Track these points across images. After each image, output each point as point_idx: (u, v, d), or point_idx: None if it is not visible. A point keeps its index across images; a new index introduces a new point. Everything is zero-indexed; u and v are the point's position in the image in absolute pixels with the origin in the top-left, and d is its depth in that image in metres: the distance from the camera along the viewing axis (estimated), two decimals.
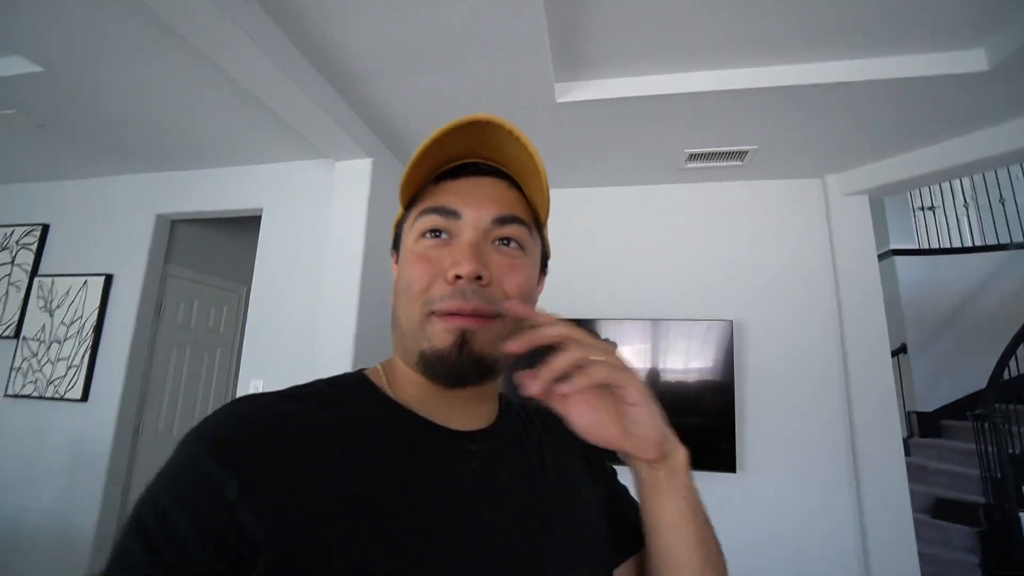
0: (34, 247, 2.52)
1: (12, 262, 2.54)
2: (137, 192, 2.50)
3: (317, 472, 0.37)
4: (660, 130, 1.97)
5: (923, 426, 4.06)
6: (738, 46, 1.58)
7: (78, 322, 2.37)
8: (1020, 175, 4.54)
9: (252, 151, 2.27)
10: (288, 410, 0.41)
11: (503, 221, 0.44)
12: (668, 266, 2.33)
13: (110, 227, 2.48)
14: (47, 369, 2.35)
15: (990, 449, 3.35)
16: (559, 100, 1.78)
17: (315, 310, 2.09)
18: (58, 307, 2.41)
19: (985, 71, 1.53)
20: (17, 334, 2.43)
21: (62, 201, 2.57)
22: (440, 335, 0.41)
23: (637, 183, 2.42)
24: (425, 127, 2.00)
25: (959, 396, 4.13)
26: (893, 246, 4.58)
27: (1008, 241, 4.24)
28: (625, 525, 0.52)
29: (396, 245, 0.51)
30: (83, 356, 2.33)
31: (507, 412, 0.50)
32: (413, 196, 0.48)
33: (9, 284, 2.52)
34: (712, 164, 2.20)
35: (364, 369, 0.49)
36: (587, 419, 0.42)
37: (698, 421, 2.13)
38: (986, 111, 1.76)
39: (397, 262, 0.49)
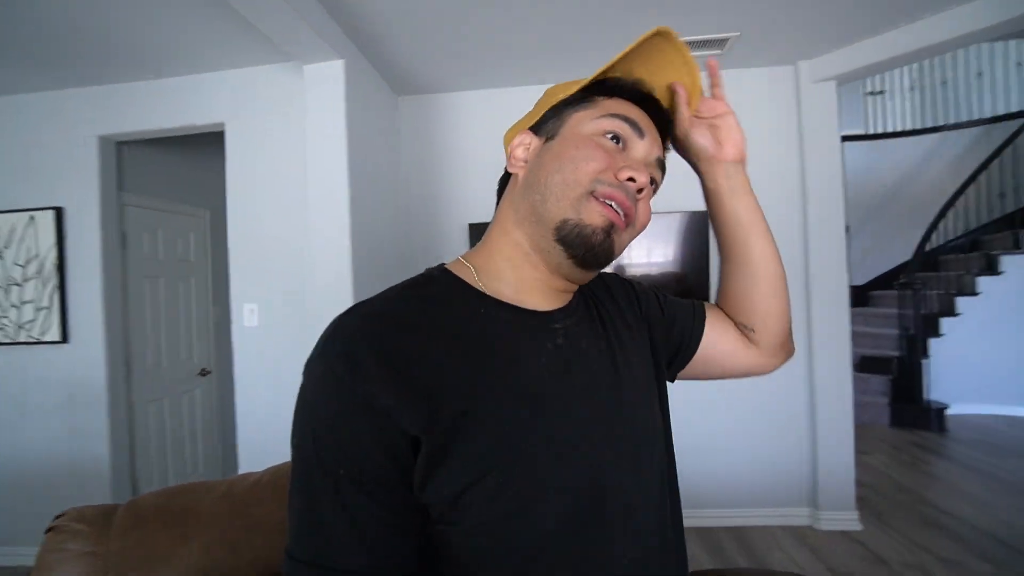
0: None
1: None
2: (73, 111, 2.20)
3: (444, 364, 0.43)
4: (647, 14, 1.91)
5: (855, 297, 4.60)
6: None
7: (35, 261, 2.20)
8: (963, 57, 4.73)
9: (206, 57, 2.02)
10: (407, 314, 0.46)
11: (660, 164, 0.53)
12: None
13: (47, 154, 2.21)
14: (12, 314, 2.22)
15: (908, 312, 3.89)
16: None
17: (303, 229, 2.04)
18: (6, 247, 2.22)
19: None
20: None
21: None
22: (593, 214, 0.47)
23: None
24: (401, 21, 1.84)
25: (885, 270, 4.66)
26: (843, 132, 4.81)
27: (944, 122, 4.52)
28: (683, 334, 0.64)
29: (541, 125, 0.53)
30: (51, 296, 2.21)
31: (578, 292, 0.58)
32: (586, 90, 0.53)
33: None
34: (696, 52, 2.18)
35: (445, 264, 0.54)
36: (707, 137, 0.60)
37: None
38: None
39: (545, 139, 0.52)
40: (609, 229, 0.47)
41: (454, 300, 0.49)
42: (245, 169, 2.13)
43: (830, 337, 2.32)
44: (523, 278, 0.51)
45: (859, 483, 2.49)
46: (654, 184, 0.52)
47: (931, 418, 3.60)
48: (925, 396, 3.70)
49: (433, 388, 0.42)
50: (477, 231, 2.43)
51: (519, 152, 0.53)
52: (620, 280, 0.65)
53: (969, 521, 2.36)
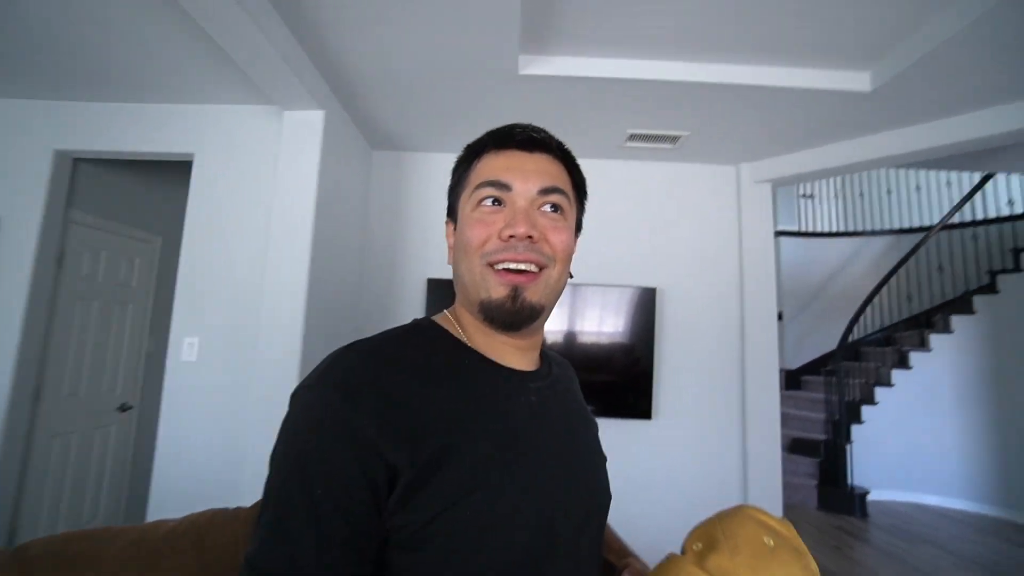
0: None
1: None
2: (30, 122, 2.13)
3: (432, 403, 0.47)
4: (608, 110, 2.12)
5: (788, 381, 4.86)
6: (680, 41, 1.74)
7: None
8: (875, 175, 5.42)
9: (184, 88, 2.03)
10: (402, 355, 0.50)
11: (547, 192, 0.54)
12: (599, 236, 2.56)
13: None
14: None
15: (833, 398, 4.14)
16: (522, 72, 1.84)
17: (259, 267, 2.01)
18: None
19: (867, 91, 1.86)
20: None
21: None
22: (496, 288, 0.51)
23: (581, 156, 2.57)
24: (381, 83, 1.95)
25: (815, 356, 4.99)
26: (779, 227, 5.29)
27: (863, 228, 5.07)
28: None
29: (451, 213, 0.60)
30: None
31: (545, 358, 0.63)
32: (465, 165, 0.58)
33: None
34: (649, 145, 2.42)
35: (432, 316, 0.59)
36: None
37: (617, 377, 2.42)
38: (867, 123, 2.14)
39: (455, 228, 0.58)
40: (515, 293, 0.51)
41: (443, 349, 0.53)
42: (208, 201, 2.10)
43: (761, 416, 2.44)
44: (490, 342, 0.55)
45: None
46: (557, 209, 0.54)
47: (854, 503, 3.75)
48: (849, 481, 3.88)
49: (420, 425, 0.45)
50: (435, 286, 2.50)
51: (450, 242, 0.59)
52: (572, 370, 0.72)
53: None
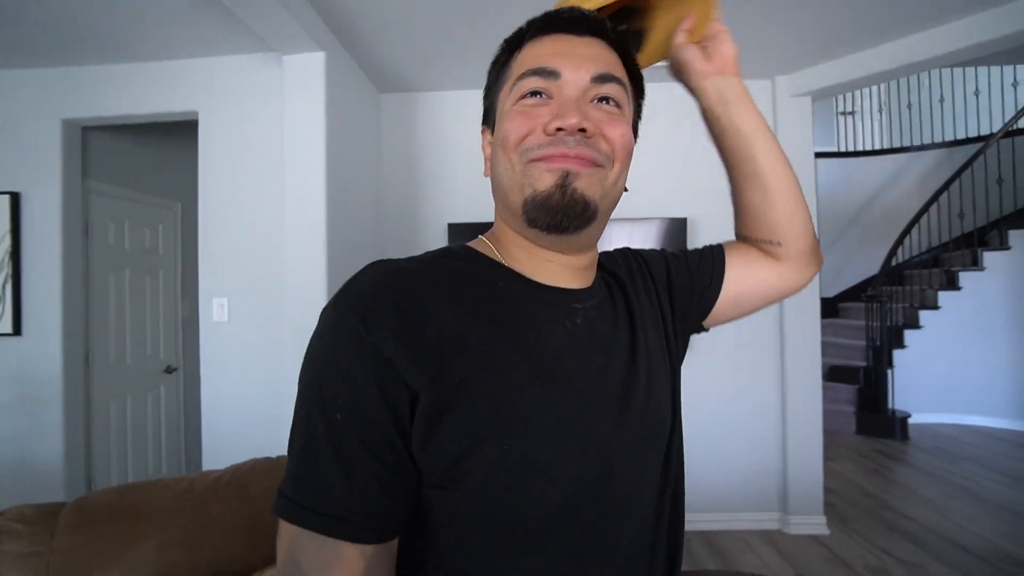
0: None
1: None
2: (36, 92, 2.10)
3: (457, 325, 0.42)
4: None
5: (826, 308, 4.72)
6: None
7: None
8: (927, 82, 4.94)
9: (180, 44, 1.95)
10: (428, 274, 0.45)
11: (602, 79, 0.45)
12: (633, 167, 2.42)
13: (6, 136, 2.11)
14: None
15: (874, 324, 4.01)
16: None
17: (277, 222, 1.98)
18: None
19: None
20: None
21: None
22: (542, 176, 0.43)
23: None
24: (384, 20, 1.81)
25: (855, 283, 4.81)
26: (816, 149, 4.97)
27: (910, 144, 4.70)
28: (703, 282, 0.60)
29: (487, 118, 0.51)
30: (2, 286, 2.09)
31: (600, 271, 0.55)
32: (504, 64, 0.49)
33: None
34: None
35: (466, 243, 0.52)
36: (693, 53, 0.56)
37: None
38: (919, 15, 1.89)
39: (493, 134, 0.49)
40: (564, 180, 0.43)
41: (476, 270, 0.48)
42: (218, 160, 2.06)
43: (802, 347, 2.37)
44: (534, 260, 0.49)
45: (827, 489, 2.54)
46: (610, 101, 0.46)
47: (895, 427, 3.71)
48: (889, 406, 3.82)
49: (443, 347, 0.41)
50: (456, 231, 2.41)
51: (486, 152, 0.51)
52: (632, 255, 0.62)
53: (927, 525, 2.44)
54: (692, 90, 0.59)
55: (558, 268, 0.49)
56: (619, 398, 0.47)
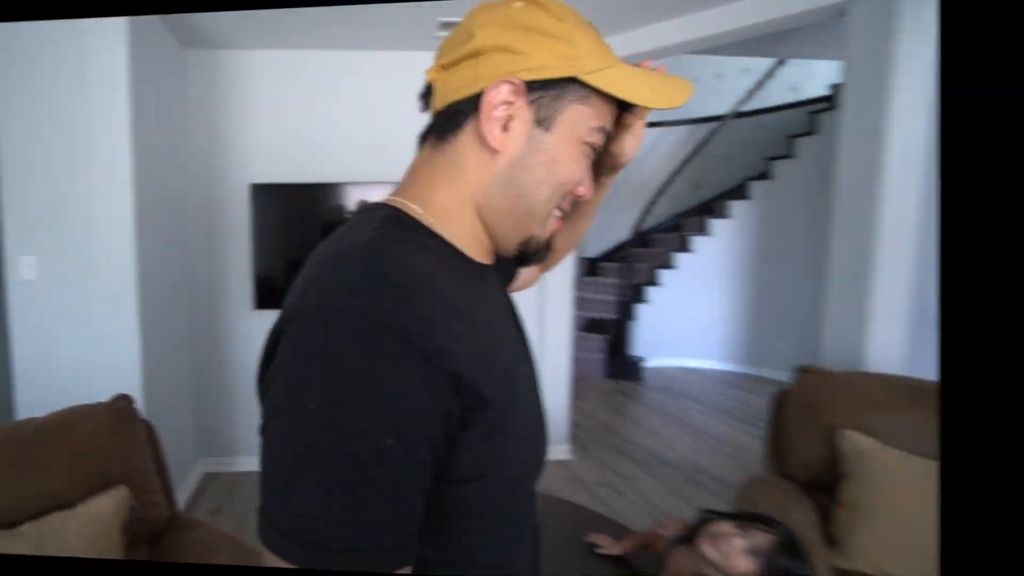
0: None
1: None
2: None
3: (469, 307, 0.50)
4: None
5: (588, 267, 6.14)
6: None
7: None
8: (675, 63, 6.62)
9: None
10: (415, 262, 0.47)
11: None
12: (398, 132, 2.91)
13: None
14: None
15: (624, 282, 5.52)
16: None
17: (84, 182, 2.22)
18: None
19: None
20: None
21: None
22: (548, 225, 0.56)
23: (386, 49, 2.75)
24: None
25: (613, 244, 6.37)
26: None
27: (661, 120, 6.32)
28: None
29: (538, 91, 0.49)
30: None
31: None
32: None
33: None
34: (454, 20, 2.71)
35: (393, 205, 0.53)
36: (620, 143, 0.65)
37: None
38: (658, 9, 2.64)
39: (538, 122, 0.50)
40: (552, 237, 0.58)
41: (438, 248, 0.52)
42: (19, 117, 2.19)
43: (556, 302, 3.29)
44: (477, 240, 0.55)
45: (575, 424, 3.60)
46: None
47: (633, 370, 5.28)
48: (629, 352, 5.39)
49: (473, 330, 0.49)
50: (259, 191, 2.90)
51: (510, 125, 0.49)
52: None
53: (645, 448, 3.64)
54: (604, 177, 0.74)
55: (486, 252, 0.58)
56: (529, 361, 0.62)
